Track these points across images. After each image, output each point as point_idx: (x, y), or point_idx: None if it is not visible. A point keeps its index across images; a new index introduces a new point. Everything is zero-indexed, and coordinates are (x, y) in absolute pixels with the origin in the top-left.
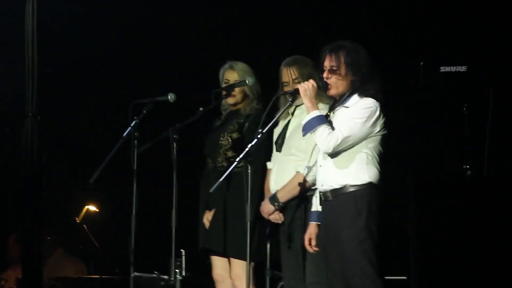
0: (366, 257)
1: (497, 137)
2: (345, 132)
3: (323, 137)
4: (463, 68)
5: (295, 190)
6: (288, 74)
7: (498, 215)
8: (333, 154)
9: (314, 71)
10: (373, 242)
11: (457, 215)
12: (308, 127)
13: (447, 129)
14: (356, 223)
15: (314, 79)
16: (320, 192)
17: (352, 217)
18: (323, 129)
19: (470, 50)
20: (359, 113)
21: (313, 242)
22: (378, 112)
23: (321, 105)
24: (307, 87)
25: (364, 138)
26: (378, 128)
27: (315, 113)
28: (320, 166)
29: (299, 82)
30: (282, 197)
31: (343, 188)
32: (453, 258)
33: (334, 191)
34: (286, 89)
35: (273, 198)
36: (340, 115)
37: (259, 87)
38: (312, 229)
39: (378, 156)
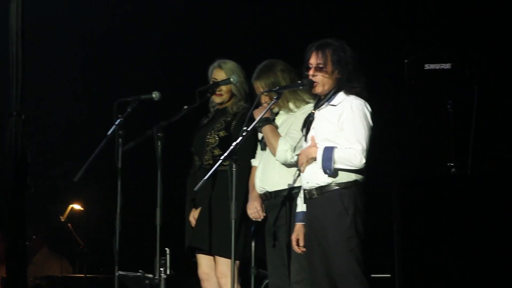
0: (353, 255)
1: (482, 134)
2: (362, 139)
3: (345, 157)
4: (447, 66)
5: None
6: (257, 88)
7: (483, 212)
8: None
9: (281, 76)
10: (360, 240)
11: (442, 213)
12: (327, 164)
13: (431, 126)
14: (342, 221)
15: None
16: (305, 190)
17: (339, 215)
18: (337, 152)
19: (454, 47)
20: (358, 119)
21: (301, 243)
22: (368, 109)
23: (308, 106)
24: (305, 164)
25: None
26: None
27: (319, 151)
28: None
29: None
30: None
31: (328, 185)
32: (437, 256)
33: (320, 189)
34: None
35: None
36: (326, 113)
37: (247, 86)
38: (298, 229)
39: None
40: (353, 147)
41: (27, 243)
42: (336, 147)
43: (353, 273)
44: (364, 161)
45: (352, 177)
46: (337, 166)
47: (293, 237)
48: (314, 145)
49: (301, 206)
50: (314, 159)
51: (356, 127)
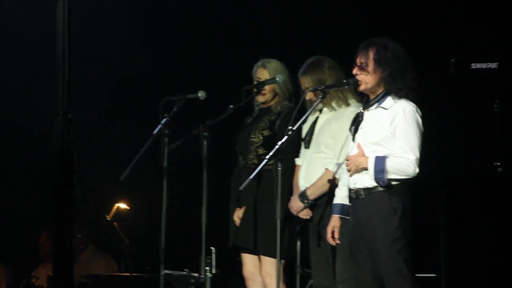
0: (400, 255)
1: None
2: (415, 148)
3: (399, 167)
4: (494, 65)
5: (325, 187)
6: (303, 83)
7: None
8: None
9: (328, 73)
10: (407, 240)
11: (488, 213)
12: (380, 176)
13: (478, 126)
14: (391, 221)
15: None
16: (351, 190)
17: (387, 216)
18: (390, 163)
19: (501, 46)
20: (410, 127)
21: (336, 235)
22: (418, 114)
23: (354, 104)
24: (353, 172)
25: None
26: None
27: (371, 162)
28: None
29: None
30: (312, 194)
31: (377, 186)
32: (483, 256)
33: (368, 189)
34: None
35: (303, 195)
36: (377, 115)
37: (291, 85)
38: (335, 221)
39: None
40: (406, 157)
41: (73, 242)
42: (387, 157)
43: (400, 273)
44: (417, 170)
45: (401, 179)
46: (390, 176)
47: (329, 229)
48: (363, 154)
49: (339, 198)
50: (365, 169)
51: (409, 135)
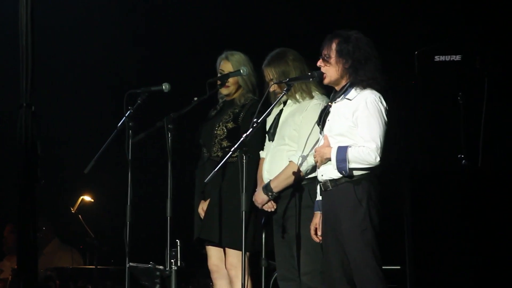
0: (369, 247)
1: (492, 126)
2: (376, 137)
3: (360, 156)
4: (457, 57)
5: (289, 180)
6: (267, 74)
7: (494, 205)
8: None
9: (292, 65)
10: (375, 231)
11: (453, 205)
12: (342, 165)
13: (442, 118)
14: (356, 212)
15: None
16: (320, 182)
17: (353, 207)
18: (351, 152)
19: (465, 39)
20: (372, 116)
21: (319, 232)
22: (382, 104)
23: (317, 96)
24: (320, 163)
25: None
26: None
27: (333, 152)
28: None
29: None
30: (276, 187)
31: (343, 177)
32: (447, 248)
33: (334, 181)
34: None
35: (267, 188)
36: (342, 107)
37: (254, 77)
38: (317, 218)
39: None
40: (367, 145)
41: (38, 235)
42: (349, 147)
43: (368, 265)
44: (378, 159)
45: (366, 169)
46: (352, 166)
47: (312, 226)
48: (328, 144)
49: (319, 196)
50: (329, 159)
51: (371, 124)
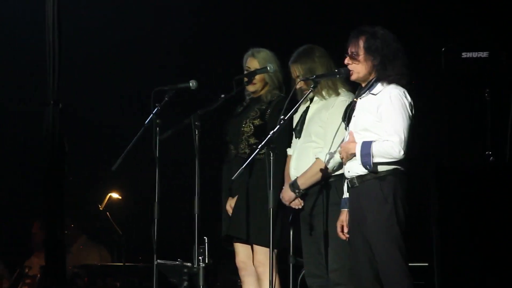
0: (395, 244)
1: None
2: (400, 131)
3: (384, 150)
4: (484, 54)
5: (316, 177)
6: (293, 71)
7: None
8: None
9: (319, 62)
10: (401, 228)
11: (480, 202)
12: (366, 160)
13: (469, 115)
14: (382, 209)
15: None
16: (347, 179)
17: (379, 204)
18: (375, 146)
19: (492, 35)
20: (396, 110)
21: (345, 229)
22: (407, 99)
23: (344, 93)
24: (346, 159)
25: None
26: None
27: (358, 147)
28: None
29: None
30: (303, 184)
31: (368, 174)
32: (475, 245)
33: (360, 177)
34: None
35: (294, 185)
36: (367, 102)
37: (281, 74)
38: (343, 216)
39: None
40: (391, 139)
41: (65, 232)
42: (374, 141)
43: (394, 261)
44: (402, 152)
45: (392, 165)
46: (376, 160)
47: (338, 223)
48: (353, 140)
49: (347, 193)
50: (354, 155)
51: (394, 118)
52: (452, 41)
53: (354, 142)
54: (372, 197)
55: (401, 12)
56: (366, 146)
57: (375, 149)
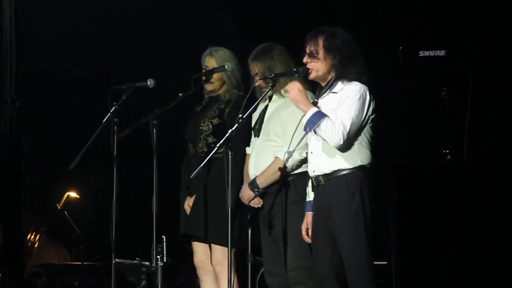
0: (362, 241)
1: (477, 121)
2: (347, 122)
3: (329, 130)
4: (442, 52)
5: (275, 176)
6: (252, 68)
7: (478, 199)
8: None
9: (278, 60)
10: (367, 225)
11: (437, 200)
12: (310, 123)
13: (426, 113)
14: (349, 207)
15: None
16: (312, 177)
17: (346, 201)
18: (326, 122)
19: (449, 34)
20: (351, 101)
21: (310, 232)
22: (367, 95)
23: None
24: (295, 94)
25: (362, 122)
26: (370, 112)
27: (313, 110)
28: (311, 152)
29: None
30: (262, 183)
31: (335, 172)
32: (432, 243)
33: (326, 176)
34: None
35: (252, 184)
36: (329, 101)
37: (239, 73)
38: (308, 219)
39: (369, 139)
40: (337, 127)
41: (23, 231)
42: (327, 117)
43: (361, 259)
44: (342, 143)
45: (358, 162)
46: (318, 133)
47: (303, 226)
48: (312, 106)
49: (311, 195)
50: (302, 106)
51: (348, 108)
52: (409, 40)
53: (310, 103)
54: (339, 195)
55: (358, 11)
56: (317, 117)
57: (323, 124)
